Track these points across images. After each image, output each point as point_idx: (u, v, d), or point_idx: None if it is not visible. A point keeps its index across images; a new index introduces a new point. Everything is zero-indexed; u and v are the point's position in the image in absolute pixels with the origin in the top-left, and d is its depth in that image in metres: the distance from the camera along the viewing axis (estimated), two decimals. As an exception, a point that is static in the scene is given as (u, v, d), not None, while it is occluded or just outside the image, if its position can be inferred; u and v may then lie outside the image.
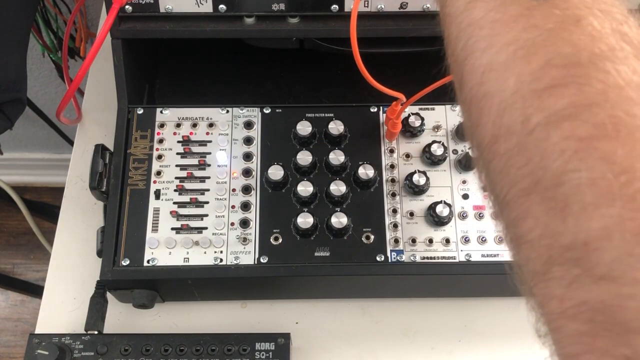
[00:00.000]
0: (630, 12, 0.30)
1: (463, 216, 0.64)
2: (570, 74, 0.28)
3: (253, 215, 0.64)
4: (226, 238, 0.63)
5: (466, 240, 0.63)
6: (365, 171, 0.64)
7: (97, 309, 0.65)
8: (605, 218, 0.25)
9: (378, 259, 0.62)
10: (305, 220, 0.62)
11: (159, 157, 0.66)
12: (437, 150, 0.65)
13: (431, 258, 0.63)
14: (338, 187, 0.63)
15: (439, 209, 0.62)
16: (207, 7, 0.64)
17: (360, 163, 0.65)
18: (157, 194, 0.65)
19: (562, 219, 0.26)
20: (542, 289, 0.28)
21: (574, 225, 0.26)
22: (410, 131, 0.67)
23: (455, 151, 0.67)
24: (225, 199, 0.65)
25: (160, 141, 0.67)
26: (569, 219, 0.26)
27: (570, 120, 0.27)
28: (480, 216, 0.64)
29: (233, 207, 0.64)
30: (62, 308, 0.70)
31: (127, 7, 0.63)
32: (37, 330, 0.68)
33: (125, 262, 0.62)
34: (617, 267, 0.24)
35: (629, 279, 0.24)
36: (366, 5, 0.64)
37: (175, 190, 0.65)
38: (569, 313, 0.26)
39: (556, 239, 0.27)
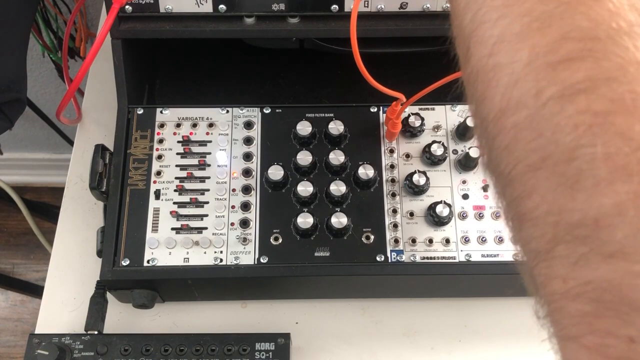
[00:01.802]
0: None
1: (463, 216, 0.64)
2: (587, 47, 0.27)
3: (253, 215, 0.64)
4: (226, 238, 0.63)
5: (466, 240, 0.63)
6: (365, 171, 0.64)
7: (97, 309, 0.65)
8: (620, 194, 0.24)
9: (378, 259, 0.62)
10: (305, 220, 0.62)
11: (159, 157, 0.66)
12: (437, 150, 0.65)
13: (431, 258, 0.63)
14: (338, 187, 0.63)
15: (439, 209, 0.62)
16: (207, 7, 0.64)
17: (360, 163, 0.65)
18: (157, 194, 0.65)
19: (571, 195, 0.26)
20: (544, 268, 0.27)
21: (585, 201, 0.25)
22: (410, 131, 0.67)
23: (455, 151, 0.67)
24: (225, 199, 0.65)
25: (160, 141, 0.67)
26: (579, 195, 0.25)
27: (585, 94, 0.26)
28: (480, 216, 0.64)
29: (233, 207, 0.64)
30: (62, 308, 0.70)
31: (127, 7, 0.63)
32: (37, 330, 0.68)
33: (125, 262, 0.62)
34: (629, 244, 0.24)
35: None
36: (366, 5, 0.64)
37: (175, 190, 0.65)
38: (572, 293, 0.25)
39: (563, 216, 0.26)
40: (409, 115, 0.67)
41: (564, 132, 0.26)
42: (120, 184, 0.65)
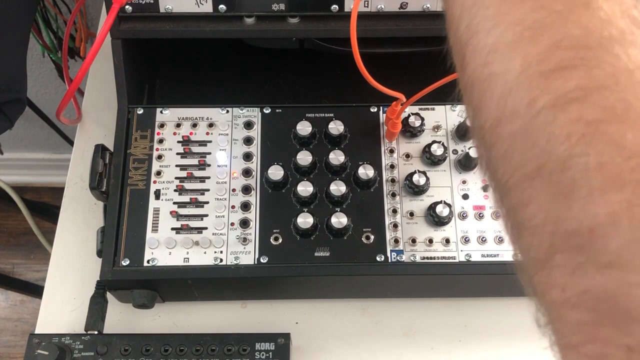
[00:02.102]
0: None
1: (463, 216, 0.64)
2: (579, 56, 0.27)
3: (253, 215, 0.64)
4: (226, 238, 0.63)
5: (466, 240, 0.63)
6: (365, 171, 0.64)
7: (97, 309, 0.65)
8: (613, 203, 0.24)
9: (378, 259, 0.62)
10: (305, 220, 0.62)
11: (159, 157, 0.66)
12: (437, 150, 0.65)
13: (431, 258, 0.63)
14: (338, 187, 0.63)
15: (439, 209, 0.62)
16: (207, 7, 0.64)
17: (360, 163, 0.65)
18: (157, 194, 0.65)
19: (567, 204, 0.26)
20: (543, 277, 0.27)
21: (580, 210, 0.25)
22: (410, 131, 0.67)
23: (455, 151, 0.67)
24: (225, 199, 0.65)
25: (160, 141, 0.67)
26: (574, 204, 0.25)
27: (578, 103, 0.26)
28: (480, 216, 0.64)
29: (233, 207, 0.64)
30: (62, 308, 0.70)
31: (127, 7, 0.63)
32: (37, 330, 0.68)
33: (125, 262, 0.62)
34: (624, 253, 0.24)
35: (636, 265, 0.23)
36: (366, 5, 0.64)
37: (175, 190, 0.65)
38: (571, 302, 0.25)
39: (560, 225, 0.26)
40: (409, 115, 0.66)
41: (557, 141, 0.26)
42: (120, 184, 0.65)
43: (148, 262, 0.62)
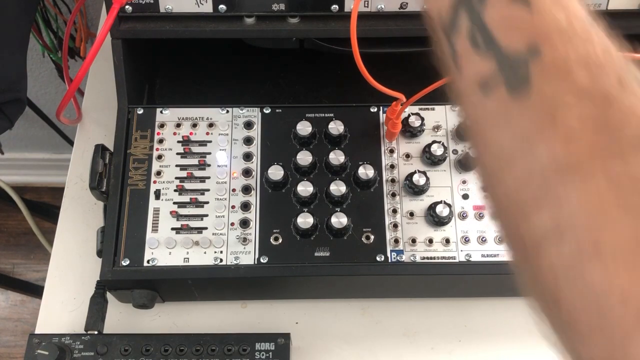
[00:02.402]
0: (624, 66, 0.28)
1: (463, 216, 0.64)
2: (549, 189, 0.27)
3: (253, 215, 0.64)
4: (226, 238, 0.63)
5: (466, 240, 0.63)
6: (365, 171, 0.64)
7: (97, 309, 0.65)
8: (604, 349, 0.25)
9: (378, 259, 0.62)
10: (305, 220, 0.62)
11: (159, 157, 0.66)
12: (437, 150, 0.65)
13: (431, 258, 0.63)
14: (338, 187, 0.63)
15: (439, 209, 0.62)
16: (207, 7, 0.64)
17: (360, 163, 0.65)
18: (157, 194, 0.65)
19: (579, 342, 0.27)
20: None
21: (586, 352, 0.27)
22: (410, 131, 0.67)
23: (455, 151, 0.67)
24: (225, 199, 0.65)
25: (160, 141, 0.67)
26: (577, 344, 0.27)
27: (554, 243, 0.27)
28: (480, 216, 0.64)
29: (233, 207, 0.64)
30: (62, 308, 0.70)
31: (127, 7, 0.63)
32: (37, 330, 0.68)
33: (125, 262, 0.62)
34: None
35: None
36: (366, 5, 0.64)
37: (175, 190, 0.65)
38: None
39: (580, 356, 0.27)
40: (409, 115, 0.66)
41: (547, 283, 0.28)
42: (120, 184, 0.65)
43: (148, 262, 0.62)
